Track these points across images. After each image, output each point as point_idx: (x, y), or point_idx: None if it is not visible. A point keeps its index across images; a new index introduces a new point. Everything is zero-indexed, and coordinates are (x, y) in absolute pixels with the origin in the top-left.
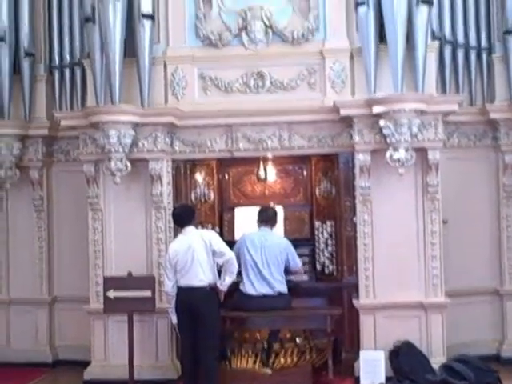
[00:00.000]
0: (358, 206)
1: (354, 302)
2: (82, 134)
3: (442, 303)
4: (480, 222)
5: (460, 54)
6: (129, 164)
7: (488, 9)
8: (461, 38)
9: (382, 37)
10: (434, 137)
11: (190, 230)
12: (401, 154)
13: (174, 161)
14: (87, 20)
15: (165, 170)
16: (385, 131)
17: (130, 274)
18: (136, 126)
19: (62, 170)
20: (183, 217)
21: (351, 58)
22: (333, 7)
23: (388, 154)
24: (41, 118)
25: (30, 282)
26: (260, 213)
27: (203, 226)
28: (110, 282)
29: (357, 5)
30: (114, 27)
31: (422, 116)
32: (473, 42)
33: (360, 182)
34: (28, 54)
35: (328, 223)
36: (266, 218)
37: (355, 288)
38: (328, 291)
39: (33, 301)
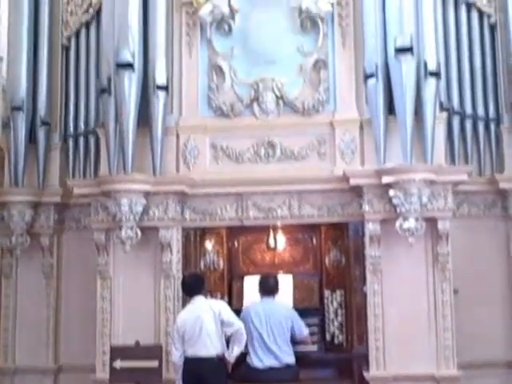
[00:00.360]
0: (368, 276)
1: (365, 374)
2: (93, 202)
3: (454, 376)
4: (491, 292)
5: (468, 124)
6: (139, 232)
7: (495, 80)
8: (469, 109)
9: (391, 108)
10: (444, 206)
11: (199, 300)
12: (411, 223)
13: (184, 229)
14: (103, 91)
15: (175, 238)
16: (394, 201)
17: (137, 343)
18: (147, 194)
19: (72, 237)
20: (193, 286)
21: (361, 128)
22: (343, 79)
23: (398, 223)
24: (54, 186)
25: (36, 349)
26: (262, 283)
27: (212, 295)
28: (116, 352)
29: (366, 77)
30: (128, 98)
31: (432, 186)
32: (481, 112)
33: (370, 251)
34: (44, 123)
35: (338, 292)
36: (269, 288)
37: (365, 359)
38: (337, 362)
39: (38, 369)
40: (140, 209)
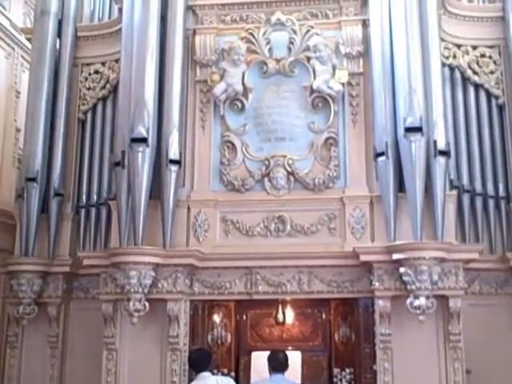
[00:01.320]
0: (379, 354)
1: None
2: (102, 273)
3: None
4: (505, 371)
5: (478, 202)
6: (147, 304)
7: (504, 158)
8: (479, 187)
9: (401, 185)
10: (455, 285)
11: (206, 376)
12: (421, 301)
13: (192, 301)
14: (117, 164)
15: (183, 310)
16: (405, 278)
17: None
18: (157, 266)
19: (79, 308)
20: (199, 362)
21: (371, 205)
22: (353, 157)
23: (408, 301)
24: (64, 256)
25: None
26: (271, 359)
27: (219, 370)
28: None
29: (376, 155)
30: (141, 172)
31: (443, 263)
32: (491, 190)
33: (380, 328)
34: (57, 194)
35: (347, 370)
36: (279, 364)
37: None
38: None
39: None
40: (149, 281)
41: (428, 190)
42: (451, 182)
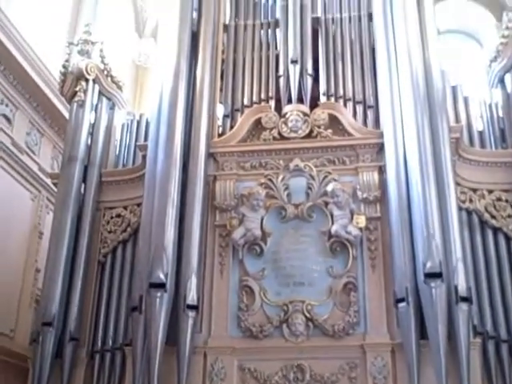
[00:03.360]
0: None
1: None
2: None
3: None
4: None
5: (504, 349)
6: None
7: None
8: (504, 333)
9: (423, 332)
10: None
11: None
12: None
13: None
14: (134, 309)
15: None
16: None
17: None
18: None
19: None
20: None
21: (392, 352)
22: (373, 302)
23: None
24: None
25: None
26: None
27: None
28: None
29: (397, 301)
30: (158, 318)
31: None
32: None
33: None
34: (72, 339)
35: None
36: None
37: None
38: None
39: None
40: None
41: (451, 337)
42: (475, 328)
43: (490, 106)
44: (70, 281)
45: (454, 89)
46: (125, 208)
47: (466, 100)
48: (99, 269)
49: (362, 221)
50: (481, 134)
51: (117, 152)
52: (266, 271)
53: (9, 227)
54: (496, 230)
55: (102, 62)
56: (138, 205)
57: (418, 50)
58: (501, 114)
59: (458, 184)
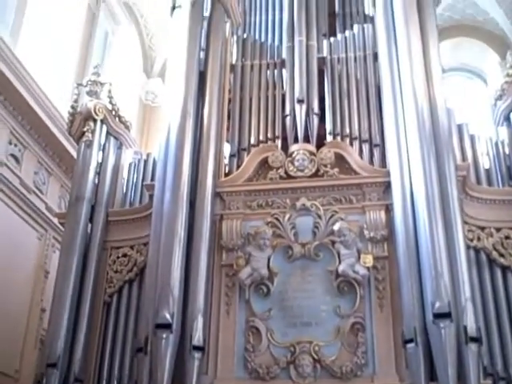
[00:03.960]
0: None
1: None
2: None
3: None
4: None
5: None
6: None
7: None
8: None
9: (432, 374)
10: None
11: None
12: None
13: None
14: (139, 350)
15: None
16: None
17: None
18: None
19: None
20: None
21: None
22: (381, 343)
23: None
24: None
25: None
26: None
27: None
28: None
29: (405, 342)
30: (164, 359)
31: None
32: None
33: None
34: (77, 380)
35: None
36: None
37: None
38: None
39: None
40: None
41: (461, 378)
42: (485, 369)
43: (497, 143)
44: (75, 321)
45: (459, 127)
46: (131, 247)
47: (472, 138)
48: (105, 309)
49: (369, 260)
50: (487, 171)
51: (124, 191)
52: (273, 311)
53: (15, 266)
54: (505, 269)
55: (110, 102)
56: (145, 244)
57: (423, 88)
58: (507, 152)
59: (465, 222)
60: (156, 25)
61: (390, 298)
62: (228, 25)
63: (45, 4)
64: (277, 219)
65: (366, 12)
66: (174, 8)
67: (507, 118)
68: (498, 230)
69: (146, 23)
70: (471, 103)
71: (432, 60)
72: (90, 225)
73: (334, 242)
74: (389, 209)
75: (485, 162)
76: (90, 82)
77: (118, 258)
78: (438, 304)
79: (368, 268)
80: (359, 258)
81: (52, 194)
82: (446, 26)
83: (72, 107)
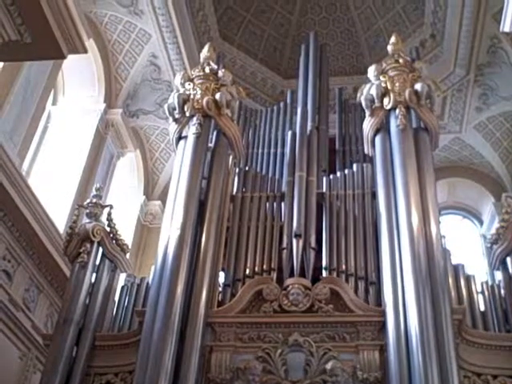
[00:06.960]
0: None
1: None
2: None
3: None
4: None
5: None
6: None
7: None
8: None
9: None
10: None
11: None
12: None
13: None
14: None
15: None
16: None
17: None
18: None
19: None
20: None
21: None
22: None
23: None
24: None
25: None
26: None
27: None
28: None
29: None
30: None
31: None
32: None
33: None
34: None
35: None
36: None
37: None
38: None
39: None
40: None
41: None
42: None
43: (492, 286)
44: None
45: (455, 268)
46: (115, 375)
47: (467, 279)
48: None
49: None
50: (483, 314)
51: (113, 314)
52: None
53: None
54: None
55: (109, 225)
56: (130, 372)
57: (419, 228)
58: (503, 294)
59: (461, 367)
60: (160, 150)
61: None
62: (231, 157)
63: (56, 125)
64: (268, 354)
65: (366, 152)
66: (180, 138)
67: (503, 262)
68: (495, 377)
69: (151, 148)
70: (465, 242)
71: (429, 201)
72: (75, 347)
73: (325, 382)
74: (383, 349)
75: (480, 304)
76: (90, 204)
77: None
78: None
79: None
80: None
81: (40, 312)
82: (441, 166)
83: (70, 228)
